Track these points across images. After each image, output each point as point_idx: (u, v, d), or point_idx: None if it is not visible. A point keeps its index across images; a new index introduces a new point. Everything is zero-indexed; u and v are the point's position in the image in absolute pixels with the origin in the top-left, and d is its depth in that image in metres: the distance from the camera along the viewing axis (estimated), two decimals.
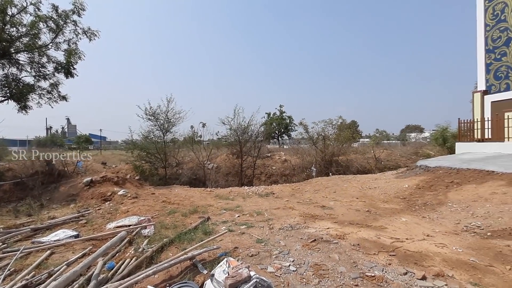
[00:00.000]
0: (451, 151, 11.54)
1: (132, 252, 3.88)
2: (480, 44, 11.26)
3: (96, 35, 11.10)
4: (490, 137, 10.17)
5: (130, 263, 3.41)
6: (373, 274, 2.98)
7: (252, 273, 2.59)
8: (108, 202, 7.35)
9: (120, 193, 7.81)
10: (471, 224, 4.79)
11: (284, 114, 38.84)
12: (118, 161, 17.23)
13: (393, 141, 39.96)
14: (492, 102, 10.36)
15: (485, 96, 10.66)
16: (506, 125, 9.52)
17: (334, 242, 3.97)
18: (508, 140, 9.34)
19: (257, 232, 4.53)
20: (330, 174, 14.97)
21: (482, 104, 10.71)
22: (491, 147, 9.52)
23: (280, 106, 38.70)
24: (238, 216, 5.66)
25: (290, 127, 38.30)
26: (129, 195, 7.73)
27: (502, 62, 10.34)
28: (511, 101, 9.72)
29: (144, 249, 3.94)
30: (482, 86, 11.11)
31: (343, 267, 3.17)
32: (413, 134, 46.54)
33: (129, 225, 4.95)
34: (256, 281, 2.48)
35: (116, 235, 4.32)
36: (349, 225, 4.93)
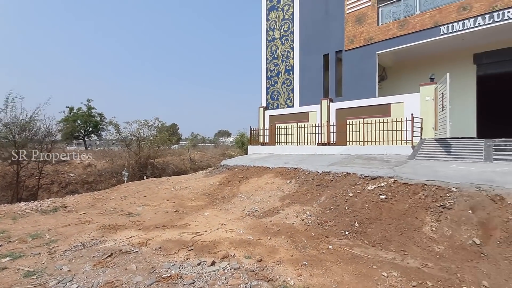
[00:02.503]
0: (247, 152, 14.45)
1: None
2: (263, 72, 15.02)
3: None
4: (268, 141, 13.72)
5: None
6: (169, 274, 3.02)
7: None
8: None
9: None
10: (252, 209, 6.17)
11: (93, 111, 32.56)
12: None
13: (208, 144, 44.68)
14: (269, 115, 14.10)
15: (266, 111, 14.33)
16: (276, 133, 13.22)
17: (134, 251, 3.70)
18: (278, 144, 13.01)
19: (28, 263, 3.39)
20: (145, 177, 14.25)
21: (264, 117, 14.30)
22: (268, 149, 12.91)
23: (88, 101, 32.12)
24: (1, 246, 4.02)
25: (101, 126, 32.66)
26: None
27: (275, 87, 14.38)
28: (279, 116, 13.64)
29: None
30: (264, 103, 14.86)
31: (140, 276, 2.99)
32: (222, 138, 54.55)
33: None
34: None
35: None
36: (155, 229, 4.82)
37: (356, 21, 11.11)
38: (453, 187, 5.03)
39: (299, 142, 12.10)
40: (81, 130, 31.85)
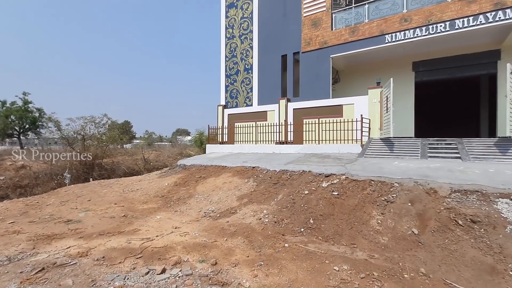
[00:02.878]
0: (205, 151, 14.08)
1: None
2: (222, 69, 14.78)
3: None
4: (226, 140, 13.54)
5: None
6: (112, 287, 2.72)
7: None
8: None
9: None
10: (208, 210, 5.98)
11: (31, 105, 28.43)
12: None
13: (165, 143, 42.65)
14: (228, 114, 13.93)
15: (225, 110, 14.12)
16: (236, 132, 13.11)
17: (71, 263, 3.27)
18: (237, 143, 12.90)
19: None
20: (91, 179, 12.97)
21: (223, 115, 14.08)
22: (227, 148, 12.74)
23: (25, 94, 27.95)
24: None
25: (40, 123, 28.73)
26: None
27: (234, 86, 14.25)
28: (239, 115, 13.54)
29: None
30: (223, 102, 14.63)
31: None
32: (180, 137, 52.58)
33: None
34: None
35: None
36: (99, 236, 4.36)
37: (312, 24, 11.54)
38: (396, 182, 5.48)
39: (258, 141, 12.17)
40: (16, 127, 27.80)
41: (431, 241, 3.86)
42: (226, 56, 14.68)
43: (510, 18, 7.76)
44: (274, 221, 5.09)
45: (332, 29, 11.12)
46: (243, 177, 7.95)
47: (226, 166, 9.22)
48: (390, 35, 9.66)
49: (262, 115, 12.65)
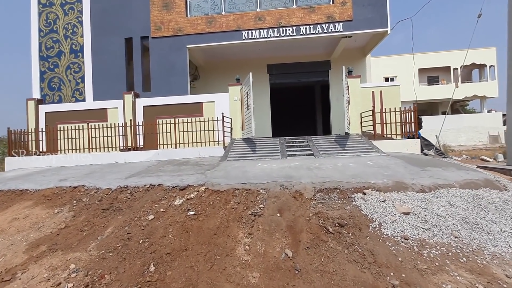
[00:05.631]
0: (3, 167, 9.18)
1: None
2: (34, 48, 10.29)
3: None
4: (45, 149, 9.38)
5: None
6: None
7: None
8: None
9: None
10: None
11: None
12: None
13: None
14: (46, 112, 9.74)
15: (40, 106, 9.82)
16: (59, 137, 9.27)
17: None
18: (61, 153, 9.11)
19: None
20: None
21: (37, 114, 9.73)
22: (43, 161, 8.73)
23: None
24: None
25: None
26: None
27: (55, 73, 10.18)
28: (64, 113, 9.71)
29: None
30: (37, 95, 10.19)
31: None
32: None
33: None
34: None
35: None
36: None
37: (163, 6, 9.69)
38: (262, 189, 4.63)
39: (94, 148, 9.02)
40: None
41: (307, 263, 3.02)
42: (40, 30, 10.30)
43: (337, 32, 9.02)
44: (85, 284, 2.95)
45: (187, 16, 9.71)
46: (54, 205, 5.11)
47: (27, 190, 5.90)
48: (246, 31, 9.32)
49: (101, 114, 9.54)
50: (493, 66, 27.74)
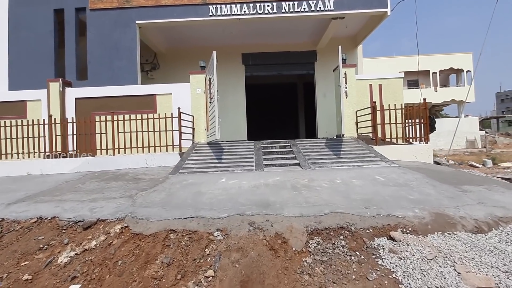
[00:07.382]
0: None
1: None
2: None
3: None
4: None
5: None
6: None
7: None
8: None
9: None
10: None
11: None
12: None
13: None
14: None
15: None
16: None
17: None
18: None
19: None
20: None
21: None
22: None
23: None
24: None
25: None
26: None
27: None
28: None
29: None
30: None
31: None
32: None
33: None
34: None
35: None
36: None
37: None
38: (218, 229, 2.69)
39: (4, 153, 6.59)
40: None
41: None
42: None
43: (327, 10, 7.32)
44: None
45: None
46: None
47: None
48: (214, 6, 7.34)
49: (17, 108, 7.14)
50: (470, 71, 27.81)
